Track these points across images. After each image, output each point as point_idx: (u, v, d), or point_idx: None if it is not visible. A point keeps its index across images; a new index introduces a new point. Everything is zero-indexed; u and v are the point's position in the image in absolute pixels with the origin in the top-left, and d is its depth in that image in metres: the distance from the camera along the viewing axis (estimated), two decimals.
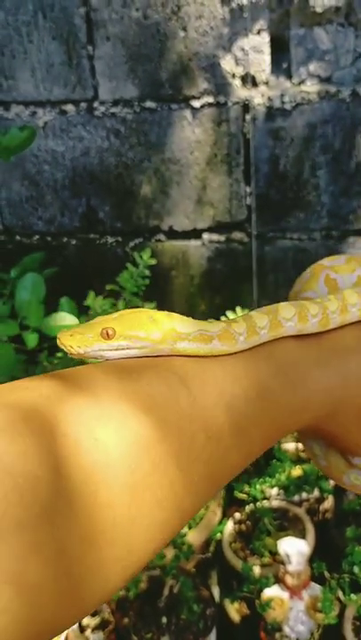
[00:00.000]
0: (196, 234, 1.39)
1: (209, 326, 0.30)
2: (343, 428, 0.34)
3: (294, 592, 1.14)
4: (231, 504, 1.38)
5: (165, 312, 0.30)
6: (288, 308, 0.32)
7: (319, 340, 0.33)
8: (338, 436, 0.35)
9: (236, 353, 0.30)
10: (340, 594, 1.12)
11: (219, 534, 1.31)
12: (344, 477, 0.40)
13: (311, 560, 1.17)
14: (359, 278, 0.38)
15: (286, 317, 0.32)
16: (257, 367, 0.30)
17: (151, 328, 0.29)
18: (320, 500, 1.36)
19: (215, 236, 1.38)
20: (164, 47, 1.22)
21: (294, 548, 1.12)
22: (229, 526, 1.32)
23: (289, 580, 1.14)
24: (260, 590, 1.14)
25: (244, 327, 0.30)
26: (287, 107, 1.25)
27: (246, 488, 1.29)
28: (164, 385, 0.27)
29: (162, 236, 1.40)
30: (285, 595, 1.15)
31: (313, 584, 1.16)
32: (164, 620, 1.11)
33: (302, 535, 1.26)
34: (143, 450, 0.24)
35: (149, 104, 1.27)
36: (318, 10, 1.17)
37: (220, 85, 1.25)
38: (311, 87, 1.24)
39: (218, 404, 0.28)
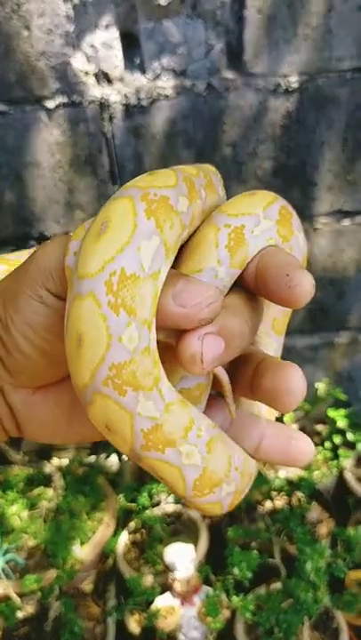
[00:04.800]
0: None
1: None
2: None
3: (185, 598, 1.12)
4: (127, 514, 1.34)
5: None
6: None
7: None
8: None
9: None
10: (231, 596, 1.10)
11: (116, 546, 1.28)
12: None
13: (205, 563, 1.15)
14: None
15: None
16: None
17: None
18: None
19: None
20: (8, 48, 1.17)
21: (179, 555, 1.10)
22: (124, 537, 1.28)
23: (178, 586, 1.11)
24: (150, 600, 1.11)
25: None
26: (144, 103, 1.22)
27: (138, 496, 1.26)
28: None
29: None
30: (177, 602, 1.12)
31: (205, 588, 1.13)
32: None
33: (196, 538, 1.24)
34: None
35: (1, 107, 1.21)
36: (162, 2, 1.14)
37: (74, 84, 1.20)
38: (167, 82, 1.21)
39: None
